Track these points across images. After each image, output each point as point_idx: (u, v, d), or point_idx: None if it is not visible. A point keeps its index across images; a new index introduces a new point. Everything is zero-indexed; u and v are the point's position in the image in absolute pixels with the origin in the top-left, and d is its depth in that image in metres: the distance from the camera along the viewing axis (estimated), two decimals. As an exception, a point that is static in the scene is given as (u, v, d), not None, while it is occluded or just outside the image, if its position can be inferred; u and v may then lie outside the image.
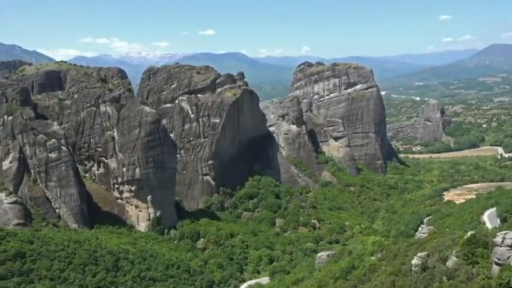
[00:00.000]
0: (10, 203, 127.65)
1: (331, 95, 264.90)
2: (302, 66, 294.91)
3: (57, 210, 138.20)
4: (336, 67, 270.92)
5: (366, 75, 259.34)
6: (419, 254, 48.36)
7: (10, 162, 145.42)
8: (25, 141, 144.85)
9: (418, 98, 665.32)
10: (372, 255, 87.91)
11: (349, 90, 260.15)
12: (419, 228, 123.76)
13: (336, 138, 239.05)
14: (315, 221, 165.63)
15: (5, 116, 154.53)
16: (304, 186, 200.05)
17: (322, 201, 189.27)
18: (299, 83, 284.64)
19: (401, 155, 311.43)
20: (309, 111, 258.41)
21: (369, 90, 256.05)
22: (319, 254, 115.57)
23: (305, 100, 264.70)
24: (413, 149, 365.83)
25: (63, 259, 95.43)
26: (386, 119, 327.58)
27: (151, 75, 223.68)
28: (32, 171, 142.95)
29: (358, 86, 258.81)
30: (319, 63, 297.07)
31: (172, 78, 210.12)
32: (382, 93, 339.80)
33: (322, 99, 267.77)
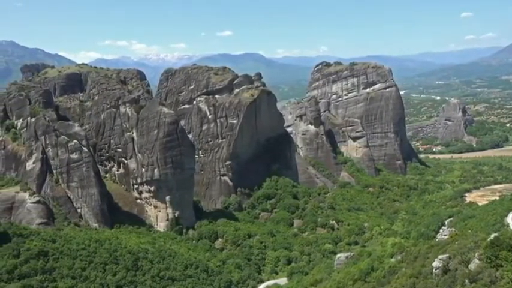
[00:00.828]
0: (33, 203, 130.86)
1: (350, 94, 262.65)
2: (320, 66, 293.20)
3: (79, 210, 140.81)
4: (354, 67, 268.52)
5: (385, 74, 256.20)
6: (440, 256, 47.39)
7: (33, 163, 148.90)
8: (47, 142, 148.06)
9: (438, 97, 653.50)
10: (392, 257, 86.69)
11: (367, 89, 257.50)
12: (441, 230, 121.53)
13: (355, 139, 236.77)
14: (333, 222, 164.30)
15: (29, 118, 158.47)
16: (322, 186, 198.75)
17: (340, 202, 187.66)
18: (317, 83, 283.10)
19: (422, 155, 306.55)
20: (327, 111, 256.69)
21: (387, 89, 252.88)
22: (337, 256, 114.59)
23: (323, 100, 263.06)
24: (434, 149, 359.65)
25: (85, 258, 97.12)
26: (406, 118, 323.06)
27: (170, 77, 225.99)
28: (54, 171, 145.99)
29: (377, 86, 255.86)
30: (337, 63, 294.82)
31: (190, 80, 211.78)
32: (402, 92, 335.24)
33: (340, 99, 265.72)
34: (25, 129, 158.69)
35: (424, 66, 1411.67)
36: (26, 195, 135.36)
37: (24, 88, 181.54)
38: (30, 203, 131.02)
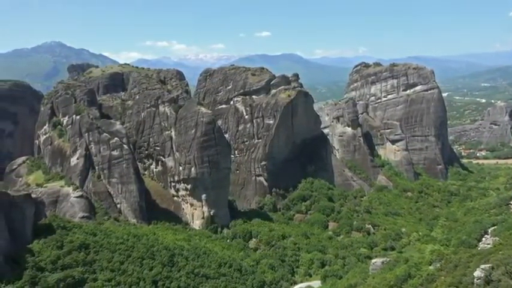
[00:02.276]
0: (76, 197, 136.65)
1: (389, 96, 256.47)
2: (358, 67, 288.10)
3: (118, 206, 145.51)
4: (395, 68, 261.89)
5: (427, 75, 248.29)
6: (482, 266, 45.54)
7: (77, 159, 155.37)
8: (91, 139, 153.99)
9: (483, 100, 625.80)
10: (430, 265, 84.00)
11: (408, 91, 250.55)
12: (483, 239, 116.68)
13: (393, 141, 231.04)
14: (370, 226, 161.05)
15: (74, 116, 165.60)
16: (358, 189, 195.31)
17: (377, 205, 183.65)
18: (355, 84, 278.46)
19: (464, 160, 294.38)
20: (365, 113, 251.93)
21: (429, 91, 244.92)
22: (373, 260, 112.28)
23: (361, 102, 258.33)
24: (478, 154, 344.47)
25: (123, 252, 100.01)
26: (448, 121, 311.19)
27: (208, 77, 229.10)
28: (97, 167, 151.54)
29: (418, 87, 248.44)
30: (377, 64, 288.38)
31: (227, 80, 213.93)
32: (444, 94, 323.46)
33: (379, 100, 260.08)
34: (70, 126, 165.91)
35: (468, 67, 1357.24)
36: (70, 189, 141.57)
37: (70, 87, 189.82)
38: (74, 197, 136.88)
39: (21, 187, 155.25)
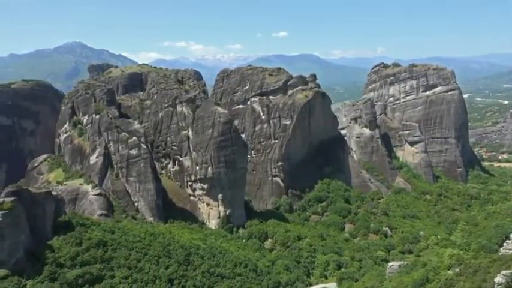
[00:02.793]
0: (95, 195, 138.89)
1: (408, 97, 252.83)
2: (377, 68, 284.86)
3: (136, 204, 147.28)
4: (414, 68, 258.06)
5: (447, 76, 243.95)
6: (503, 272, 44.39)
7: (96, 157, 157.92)
8: (110, 138, 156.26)
9: (506, 102, 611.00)
10: (449, 269, 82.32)
11: (427, 92, 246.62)
12: (504, 244, 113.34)
13: (412, 143, 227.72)
14: (387, 228, 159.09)
15: (93, 115, 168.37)
16: (375, 191, 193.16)
17: (394, 208, 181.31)
18: (373, 85, 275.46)
19: (485, 163, 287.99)
20: (383, 114, 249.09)
21: (449, 92, 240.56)
22: (390, 264, 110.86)
23: (379, 103, 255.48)
24: (500, 157, 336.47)
25: (140, 250, 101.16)
26: (469, 123, 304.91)
27: (225, 77, 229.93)
28: (115, 166, 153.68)
29: (438, 89, 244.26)
30: (396, 65, 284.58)
31: (244, 80, 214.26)
32: (465, 96, 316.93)
33: (397, 101, 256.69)
34: (90, 125, 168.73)
35: (490, 68, 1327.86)
36: (89, 187, 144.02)
37: (90, 87, 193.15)
38: (93, 195, 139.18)
39: (42, 184, 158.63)
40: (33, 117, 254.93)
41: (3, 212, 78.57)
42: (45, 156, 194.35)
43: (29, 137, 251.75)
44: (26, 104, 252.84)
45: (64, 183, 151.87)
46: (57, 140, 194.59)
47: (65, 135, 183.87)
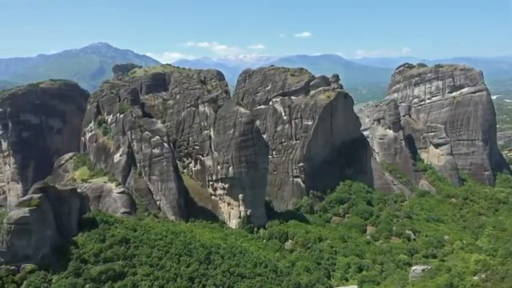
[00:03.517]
0: (119, 193, 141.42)
1: (433, 98, 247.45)
2: (401, 68, 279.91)
3: (158, 202, 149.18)
4: (440, 69, 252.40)
5: (474, 77, 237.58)
6: (532, 280, 42.87)
7: (120, 156, 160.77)
8: (133, 137, 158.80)
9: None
10: (475, 275, 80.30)
11: (454, 93, 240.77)
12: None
13: (437, 145, 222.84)
14: (410, 231, 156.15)
15: (118, 114, 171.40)
16: (398, 194, 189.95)
17: (418, 211, 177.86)
18: (397, 86, 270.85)
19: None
20: (407, 116, 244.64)
21: (477, 93, 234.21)
22: (413, 268, 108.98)
23: (403, 104, 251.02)
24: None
25: (162, 248, 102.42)
26: (498, 125, 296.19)
27: (247, 77, 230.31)
28: (138, 165, 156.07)
29: (465, 89, 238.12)
30: (421, 65, 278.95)
31: (267, 80, 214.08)
32: (494, 97, 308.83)
33: (422, 103, 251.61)
34: (114, 124, 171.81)
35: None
36: (113, 185, 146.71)
37: (115, 86, 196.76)
38: (116, 193, 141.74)
39: (68, 182, 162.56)
40: (60, 116, 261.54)
41: (30, 208, 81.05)
42: (71, 154, 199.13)
43: (56, 136, 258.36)
44: (54, 103, 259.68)
45: (89, 181, 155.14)
46: (82, 139, 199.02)
47: (90, 134, 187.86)
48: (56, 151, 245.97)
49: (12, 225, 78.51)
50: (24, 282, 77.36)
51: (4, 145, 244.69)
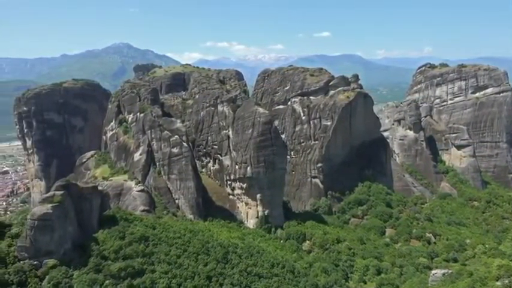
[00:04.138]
0: (138, 191, 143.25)
1: (456, 99, 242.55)
2: (423, 68, 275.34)
3: (177, 201, 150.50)
4: (463, 69, 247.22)
5: (499, 77, 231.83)
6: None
7: (140, 155, 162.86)
8: (153, 136, 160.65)
9: None
10: (497, 280, 78.39)
11: (477, 94, 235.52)
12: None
13: (459, 147, 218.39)
14: (430, 234, 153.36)
15: (138, 113, 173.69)
16: (419, 196, 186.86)
17: (439, 214, 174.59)
18: (419, 86, 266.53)
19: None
20: (428, 117, 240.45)
21: (501, 94, 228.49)
22: (433, 271, 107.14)
23: (424, 104, 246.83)
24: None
25: (180, 246, 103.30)
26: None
27: (266, 77, 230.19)
28: (157, 163, 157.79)
29: (489, 90, 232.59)
30: (443, 65, 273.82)
31: (285, 80, 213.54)
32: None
33: (444, 103, 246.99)
34: (134, 123, 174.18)
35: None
36: (133, 183, 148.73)
37: (135, 86, 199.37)
38: (136, 191, 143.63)
39: (89, 180, 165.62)
40: (82, 114, 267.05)
41: (53, 205, 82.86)
42: (92, 152, 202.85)
43: (78, 134, 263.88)
44: (76, 102, 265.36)
45: (109, 179, 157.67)
46: (103, 137, 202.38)
47: (111, 133, 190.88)
48: (78, 149, 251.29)
49: (36, 221, 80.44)
50: (47, 277, 79.16)
51: (28, 143, 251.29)
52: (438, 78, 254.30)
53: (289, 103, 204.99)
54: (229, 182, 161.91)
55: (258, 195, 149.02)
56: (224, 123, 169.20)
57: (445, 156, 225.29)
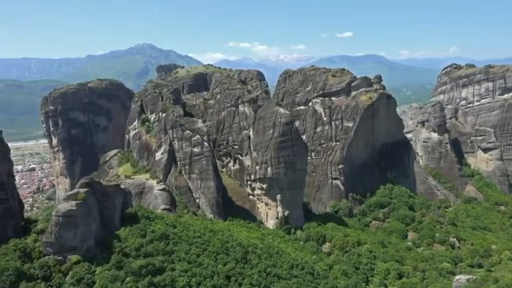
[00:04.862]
0: (160, 190, 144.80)
1: (483, 100, 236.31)
2: (449, 69, 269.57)
3: (197, 200, 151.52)
4: (490, 69, 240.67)
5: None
6: None
7: (161, 154, 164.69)
8: (174, 135, 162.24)
9: None
10: (525, 288, 75.83)
11: (505, 95, 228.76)
12: None
13: (486, 150, 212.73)
14: (454, 239, 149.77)
15: (160, 113, 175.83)
16: (443, 200, 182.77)
17: (463, 218, 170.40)
18: (444, 87, 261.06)
19: None
20: (453, 118, 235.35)
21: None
22: (457, 277, 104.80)
23: (450, 106, 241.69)
24: None
25: (200, 245, 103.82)
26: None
27: (287, 78, 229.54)
28: (179, 163, 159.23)
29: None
30: (470, 66, 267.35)
31: (307, 81, 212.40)
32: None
33: (470, 105, 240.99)
34: (157, 123, 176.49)
35: None
36: (154, 182, 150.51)
37: (158, 86, 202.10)
38: (157, 190, 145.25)
39: (112, 178, 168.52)
40: (106, 114, 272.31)
41: (77, 202, 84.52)
42: (115, 151, 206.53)
43: (102, 133, 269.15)
44: (100, 101, 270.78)
45: (132, 177, 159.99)
46: (126, 136, 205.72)
47: (133, 132, 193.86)
48: (102, 148, 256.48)
49: (60, 218, 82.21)
50: (70, 272, 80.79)
51: (54, 141, 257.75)
52: (464, 79, 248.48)
53: (310, 104, 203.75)
54: (249, 182, 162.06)
55: (278, 196, 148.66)
56: (245, 124, 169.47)
57: (470, 159, 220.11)
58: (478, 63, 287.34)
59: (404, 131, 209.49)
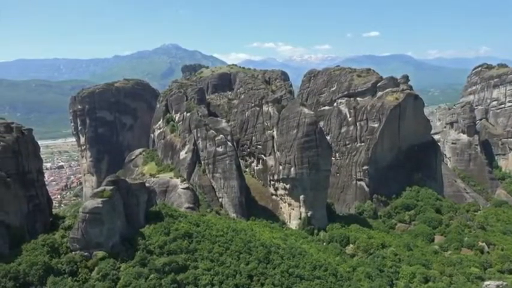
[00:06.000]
0: (184, 189, 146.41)
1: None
2: (479, 69, 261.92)
3: (220, 200, 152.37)
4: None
5: None
6: None
7: (186, 153, 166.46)
8: (198, 135, 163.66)
9: None
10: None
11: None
12: None
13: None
14: (483, 244, 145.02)
15: (185, 113, 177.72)
16: (471, 203, 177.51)
17: (494, 222, 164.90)
18: (474, 88, 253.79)
19: None
20: (484, 120, 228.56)
21: None
22: (486, 283, 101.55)
23: (480, 107, 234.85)
24: None
25: (222, 244, 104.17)
26: None
27: (312, 78, 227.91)
28: (202, 162, 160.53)
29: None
30: (502, 65, 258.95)
31: (332, 81, 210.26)
32: None
33: (502, 106, 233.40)
34: (181, 122, 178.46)
35: None
36: (178, 181, 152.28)
37: (183, 86, 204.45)
38: (181, 188, 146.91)
39: (137, 176, 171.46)
40: (132, 113, 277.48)
41: (103, 199, 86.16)
42: (140, 150, 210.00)
43: (128, 132, 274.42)
44: (126, 101, 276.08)
45: (156, 175, 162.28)
46: (151, 135, 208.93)
47: (158, 131, 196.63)
48: (127, 146, 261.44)
49: (87, 214, 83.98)
50: (96, 268, 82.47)
51: (82, 140, 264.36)
52: (496, 79, 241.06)
53: (335, 104, 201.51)
54: (272, 182, 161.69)
55: (301, 197, 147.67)
56: (269, 124, 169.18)
57: (501, 162, 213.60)
58: (510, 62, 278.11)
59: (432, 132, 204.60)
